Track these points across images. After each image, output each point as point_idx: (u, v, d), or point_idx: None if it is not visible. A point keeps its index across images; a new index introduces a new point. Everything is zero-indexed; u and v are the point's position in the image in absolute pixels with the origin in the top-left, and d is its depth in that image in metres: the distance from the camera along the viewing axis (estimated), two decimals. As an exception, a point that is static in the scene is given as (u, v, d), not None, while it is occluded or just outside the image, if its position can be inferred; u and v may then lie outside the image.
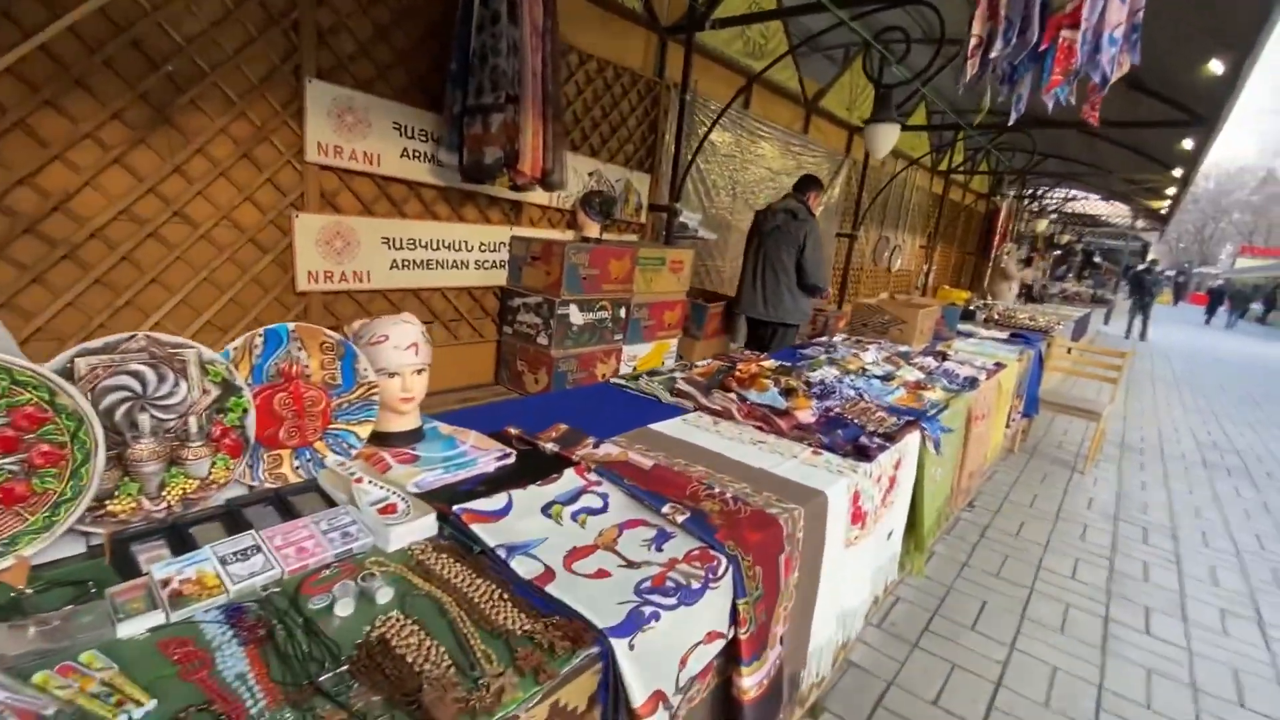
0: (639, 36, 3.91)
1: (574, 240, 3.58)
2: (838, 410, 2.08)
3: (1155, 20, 4.51)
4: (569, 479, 1.31)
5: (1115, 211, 15.86)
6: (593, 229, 3.59)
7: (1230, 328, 21.61)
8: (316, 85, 2.47)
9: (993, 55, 1.65)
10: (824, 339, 3.68)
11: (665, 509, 1.21)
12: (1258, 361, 12.35)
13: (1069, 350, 5.26)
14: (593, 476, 1.34)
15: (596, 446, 1.54)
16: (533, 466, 1.38)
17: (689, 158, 4.05)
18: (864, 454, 1.73)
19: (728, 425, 1.89)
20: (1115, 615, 2.57)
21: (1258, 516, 3.87)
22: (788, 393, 2.11)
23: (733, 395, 2.07)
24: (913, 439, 2.04)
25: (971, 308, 6.11)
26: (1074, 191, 14.66)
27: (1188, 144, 5.74)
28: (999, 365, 3.38)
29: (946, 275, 11.14)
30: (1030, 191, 14.10)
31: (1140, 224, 15.42)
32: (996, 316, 6.18)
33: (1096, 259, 23.87)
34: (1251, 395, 8.23)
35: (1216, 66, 3.96)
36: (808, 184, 3.99)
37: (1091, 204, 15.91)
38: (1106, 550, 3.17)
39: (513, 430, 1.54)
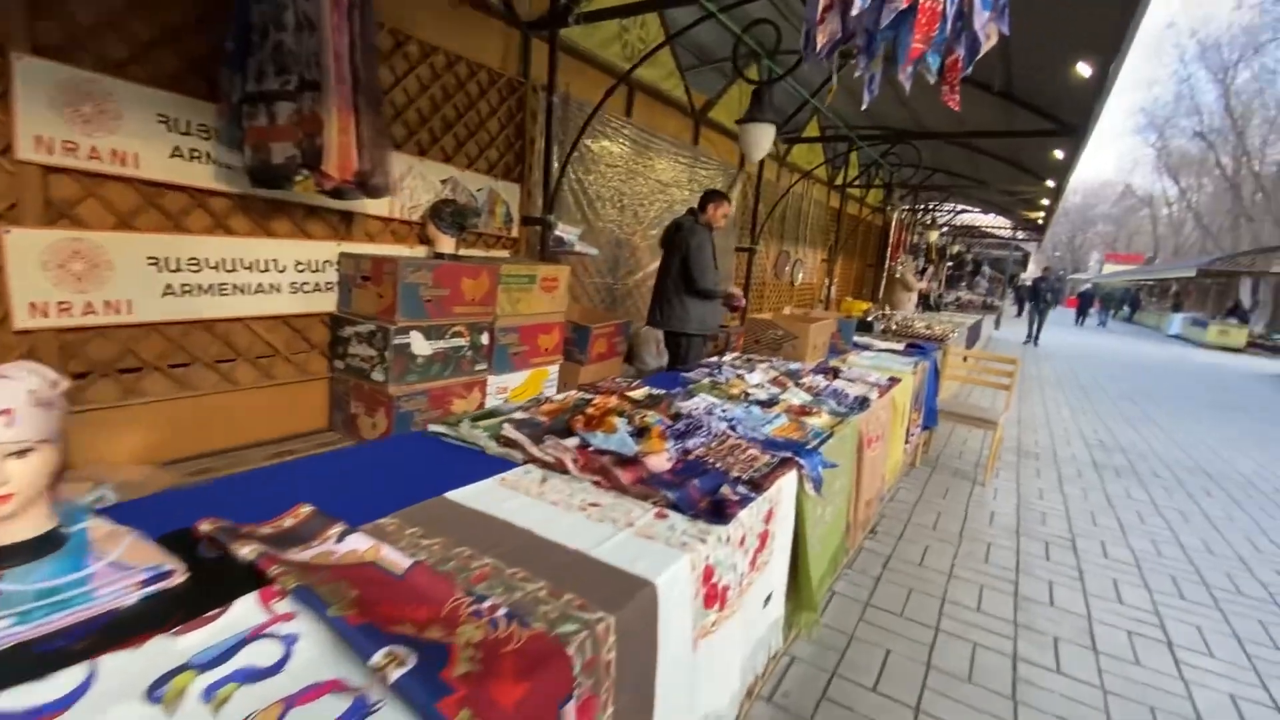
0: (496, 31, 3.52)
1: (427, 256, 3.11)
2: (700, 451, 1.72)
3: (1024, 25, 4.64)
4: (240, 615, 0.85)
5: (998, 223, 16.93)
6: (446, 243, 3.13)
7: (1102, 325, 24.20)
8: (30, 63, 1.91)
9: (854, 12, 1.36)
10: (715, 359, 3.37)
11: (379, 656, 0.78)
12: (1128, 358, 13.36)
13: (964, 359, 5.24)
14: (285, 606, 0.88)
15: (340, 540, 1.08)
16: (203, 592, 0.91)
17: (561, 166, 3.67)
18: (719, 513, 1.36)
19: (559, 482, 1.48)
20: (1024, 653, 2.34)
21: (1149, 518, 3.86)
22: (640, 432, 1.73)
23: (572, 441, 1.67)
24: (788, 481, 1.71)
25: (870, 319, 6.05)
26: (962, 206, 15.52)
27: (1059, 154, 5.96)
28: (893, 380, 3.17)
29: (849, 287, 11.35)
30: (923, 206, 14.78)
31: (1020, 235, 16.52)
32: (894, 327, 6.16)
33: (985, 268, 25.59)
34: (1127, 391, 8.73)
35: (1084, 69, 4.03)
36: (706, 197, 3.88)
37: (976, 217, 16.92)
38: (1011, 572, 2.98)
39: (206, 526, 1.06)
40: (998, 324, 17.22)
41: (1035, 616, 2.60)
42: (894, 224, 10.89)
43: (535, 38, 3.66)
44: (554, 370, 3.56)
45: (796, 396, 2.53)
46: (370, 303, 2.68)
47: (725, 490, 1.48)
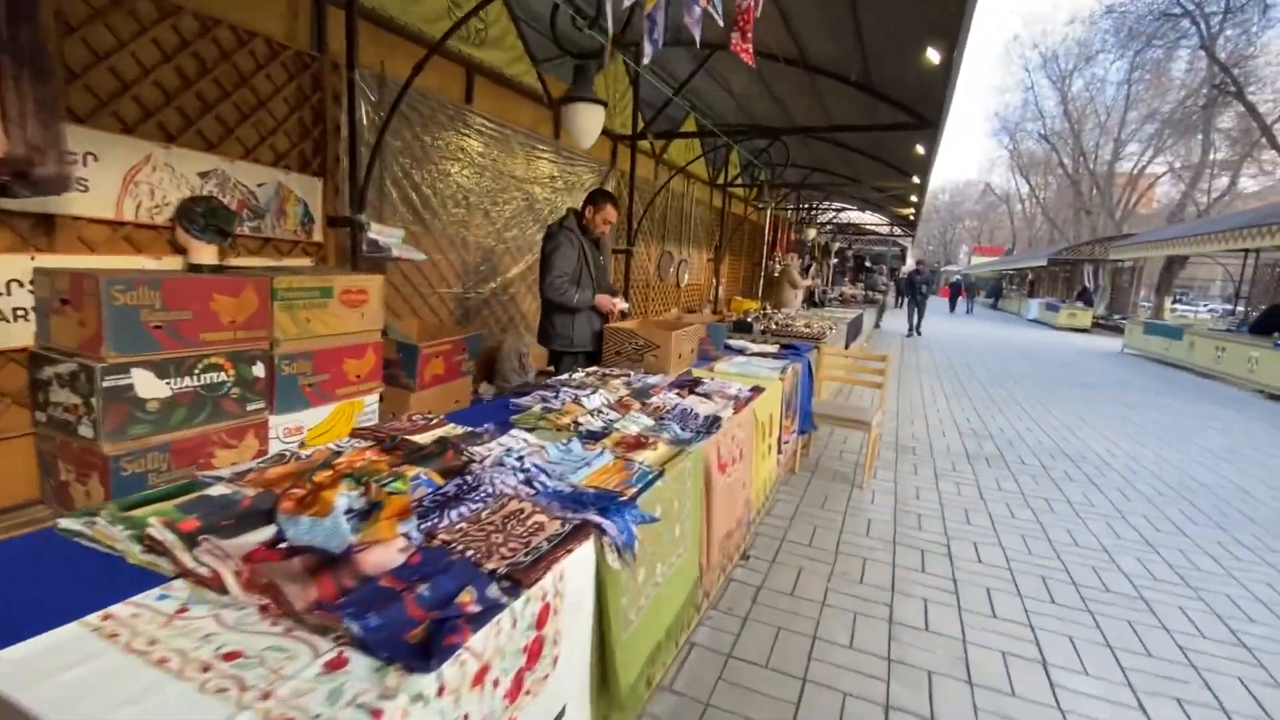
0: (275, -7, 2.91)
1: (183, 269, 2.45)
2: (457, 531, 1.26)
3: (875, 14, 4.61)
4: None
5: (877, 220, 17.76)
6: (204, 252, 2.49)
7: (969, 312, 26.47)
8: None
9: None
10: (562, 377, 2.94)
11: None
12: (995, 343, 14.33)
13: (845, 357, 5.13)
14: None
15: None
16: None
17: (370, 157, 3.10)
18: (427, 651, 0.91)
19: (204, 614, 0.97)
20: (897, 698, 2.06)
21: (1019, 511, 3.83)
22: (369, 511, 1.25)
23: (263, 534, 1.16)
24: (582, 554, 1.29)
25: (750, 319, 5.85)
26: (841, 204, 16.12)
27: (920, 149, 6.04)
28: (756, 390, 2.87)
29: (738, 286, 11.34)
30: (807, 205, 15.17)
31: (897, 231, 17.42)
32: (774, 327, 6.00)
33: (868, 263, 27.00)
34: (995, 375, 9.20)
35: (934, 56, 3.97)
36: (588, 199, 3.48)
37: (857, 215, 17.66)
38: (886, 593, 2.75)
39: None
40: (879, 319, 18.06)
41: (909, 648, 2.35)
42: (769, 221, 10.96)
43: (331, 5, 3.07)
44: (371, 401, 2.98)
45: (635, 423, 2.13)
46: (70, 334, 2.01)
47: (466, 597, 1.03)
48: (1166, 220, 23.73)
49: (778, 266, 9.04)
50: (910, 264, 13.61)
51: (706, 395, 2.61)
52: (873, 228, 18.66)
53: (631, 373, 3.05)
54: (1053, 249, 26.67)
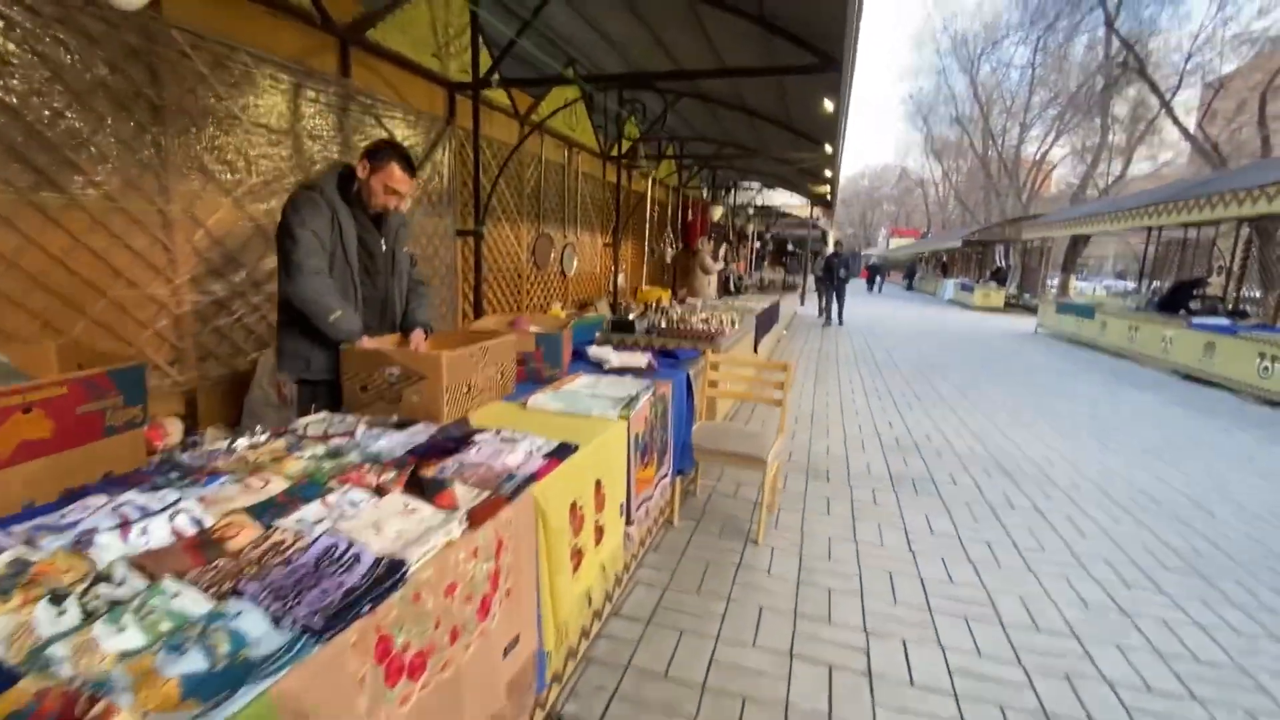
0: None
1: None
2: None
3: None
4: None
5: (798, 203, 17.11)
6: None
7: (880, 292, 27.83)
8: None
9: None
10: (233, 441, 1.72)
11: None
12: (914, 326, 13.92)
13: (741, 362, 4.10)
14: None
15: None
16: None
17: None
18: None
19: None
20: None
21: (958, 568, 2.90)
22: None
23: None
24: None
25: (631, 316, 4.75)
26: (760, 184, 15.31)
27: (828, 105, 5.07)
28: (562, 449, 1.75)
29: (644, 274, 10.26)
30: (723, 186, 14.24)
31: (818, 212, 16.83)
32: (663, 324, 4.92)
33: (790, 247, 26.64)
34: (917, 364, 8.53)
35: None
36: (365, 152, 2.24)
37: (778, 197, 16.95)
38: (770, 778, 1.70)
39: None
40: (803, 300, 17.52)
41: None
42: (680, 201, 9.91)
43: None
44: None
45: (188, 599, 0.95)
46: None
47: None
48: (1070, 201, 24.44)
49: (669, 250, 7.99)
50: (830, 247, 12.95)
51: (442, 484, 1.45)
52: (794, 210, 18.04)
53: (365, 427, 1.86)
54: (965, 230, 27.13)
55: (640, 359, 3.27)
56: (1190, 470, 4.49)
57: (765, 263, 17.87)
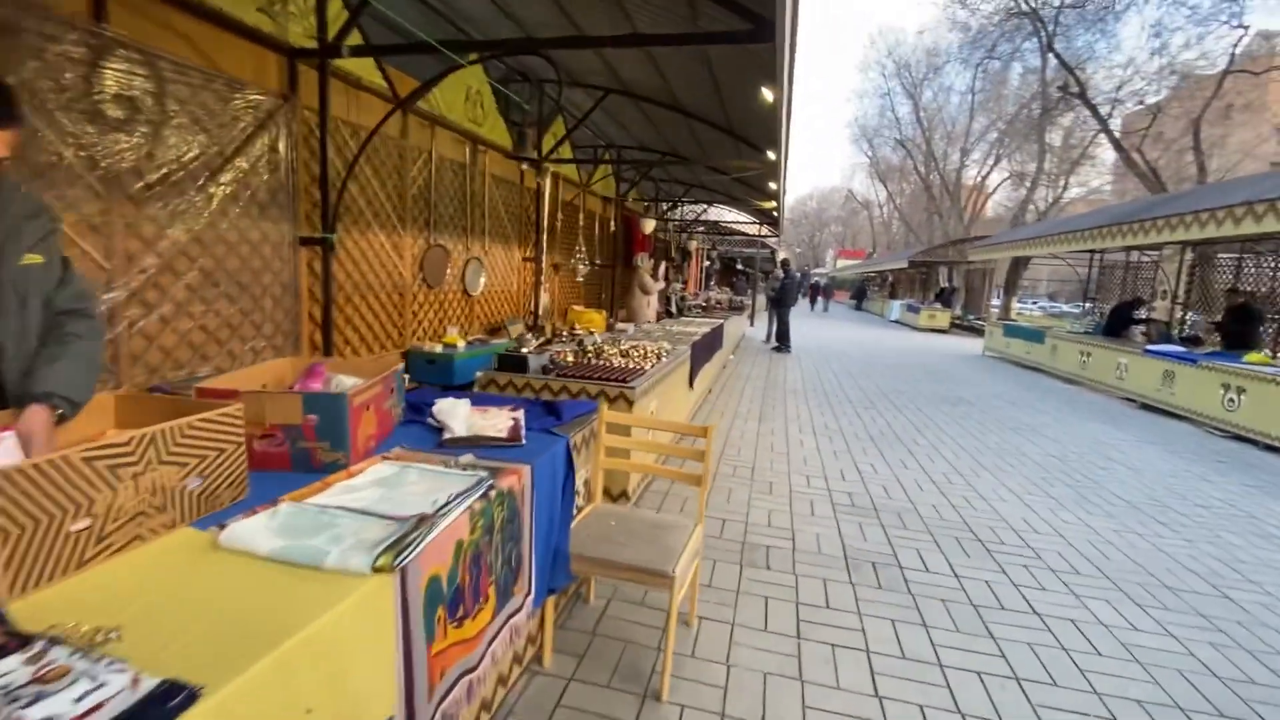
0: None
1: None
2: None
3: None
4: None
5: (745, 219, 16.53)
6: None
7: (825, 311, 28.59)
8: None
9: None
10: None
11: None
12: (863, 350, 13.37)
13: (645, 424, 3.19)
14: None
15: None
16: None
17: None
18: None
19: None
20: None
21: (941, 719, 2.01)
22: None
23: None
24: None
25: (523, 349, 3.77)
26: (705, 201, 14.63)
27: (767, 94, 4.27)
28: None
29: (579, 294, 9.29)
30: (667, 202, 13.49)
31: (766, 230, 16.30)
32: (570, 360, 3.99)
33: (738, 266, 26.21)
34: (869, 394, 7.82)
35: None
36: None
37: (726, 214, 16.33)
38: None
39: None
40: (753, 321, 16.88)
41: None
42: (612, 213, 9.06)
43: None
44: None
45: None
46: None
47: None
48: (1010, 224, 24.85)
49: (581, 268, 7.08)
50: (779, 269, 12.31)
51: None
52: (740, 228, 17.47)
53: None
54: (910, 251, 27.31)
55: (502, 422, 2.30)
56: (1192, 537, 3.79)
57: (712, 282, 17.18)
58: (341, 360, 2.85)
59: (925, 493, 4.33)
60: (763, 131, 5.56)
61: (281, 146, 3.63)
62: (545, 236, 7.44)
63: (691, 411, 5.86)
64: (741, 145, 6.60)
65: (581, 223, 8.88)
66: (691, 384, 5.65)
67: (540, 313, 7.41)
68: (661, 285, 9.66)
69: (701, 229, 18.00)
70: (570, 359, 4.03)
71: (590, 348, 4.39)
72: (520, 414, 2.39)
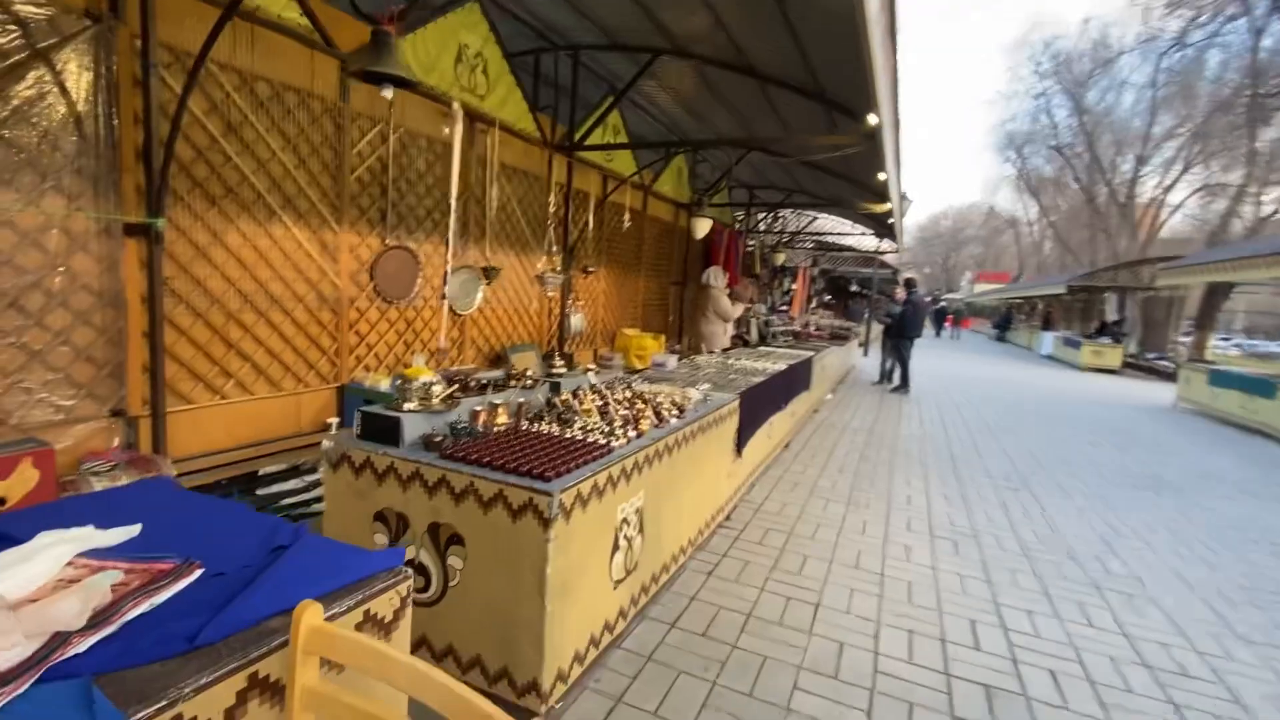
0: None
1: None
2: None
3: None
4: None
5: (855, 230, 14.26)
6: None
7: (955, 339, 26.54)
8: None
9: None
10: None
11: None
12: (1005, 393, 10.62)
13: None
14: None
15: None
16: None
17: None
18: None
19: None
20: None
21: None
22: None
23: None
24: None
25: (406, 408, 2.27)
26: (808, 214, 12.62)
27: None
28: None
29: (631, 313, 7.75)
30: (767, 212, 11.68)
31: (884, 246, 13.95)
32: (502, 422, 2.46)
33: (853, 288, 23.46)
34: (1016, 465, 5.54)
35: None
36: None
37: (834, 225, 14.18)
38: None
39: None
40: (866, 352, 14.50)
41: None
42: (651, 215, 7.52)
43: None
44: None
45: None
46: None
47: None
48: (1206, 243, 20.22)
49: (551, 275, 5.50)
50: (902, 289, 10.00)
51: None
52: (852, 242, 15.17)
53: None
54: (1069, 275, 23.15)
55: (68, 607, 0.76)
56: None
57: (812, 304, 15.03)
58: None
59: (1134, 692, 2.30)
60: (857, 94, 3.75)
61: (81, 89, 2.43)
62: (578, 241, 6.00)
63: (736, 494, 4.09)
64: (835, 114, 4.80)
65: (644, 232, 7.38)
66: (739, 450, 3.90)
67: (567, 337, 5.96)
68: (743, 309, 7.91)
69: (807, 244, 15.90)
70: (501, 420, 2.49)
71: (560, 404, 2.85)
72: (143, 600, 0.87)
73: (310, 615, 0.99)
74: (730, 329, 7.76)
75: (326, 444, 2.29)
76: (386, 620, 1.27)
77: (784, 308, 14.70)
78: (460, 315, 4.68)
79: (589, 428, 2.56)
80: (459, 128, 3.82)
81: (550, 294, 5.66)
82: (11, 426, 2.38)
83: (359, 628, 1.17)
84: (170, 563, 1.16)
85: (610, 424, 2.61)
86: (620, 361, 6.66)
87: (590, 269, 6.38)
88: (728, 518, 3.87)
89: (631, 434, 2.54)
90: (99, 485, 2.45)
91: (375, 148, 3.82)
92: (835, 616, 2.78)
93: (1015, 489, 5.02)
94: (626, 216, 6.67)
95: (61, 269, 2.47)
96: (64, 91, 2.41)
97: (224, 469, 3.00)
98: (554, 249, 5.49)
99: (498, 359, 5.02)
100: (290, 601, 1.03)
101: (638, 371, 4.95)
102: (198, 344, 2.98)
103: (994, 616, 2.89)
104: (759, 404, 4.24)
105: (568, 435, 2.44)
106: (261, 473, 3.36)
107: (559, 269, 5.70)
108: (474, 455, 2.08)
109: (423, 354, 4.28)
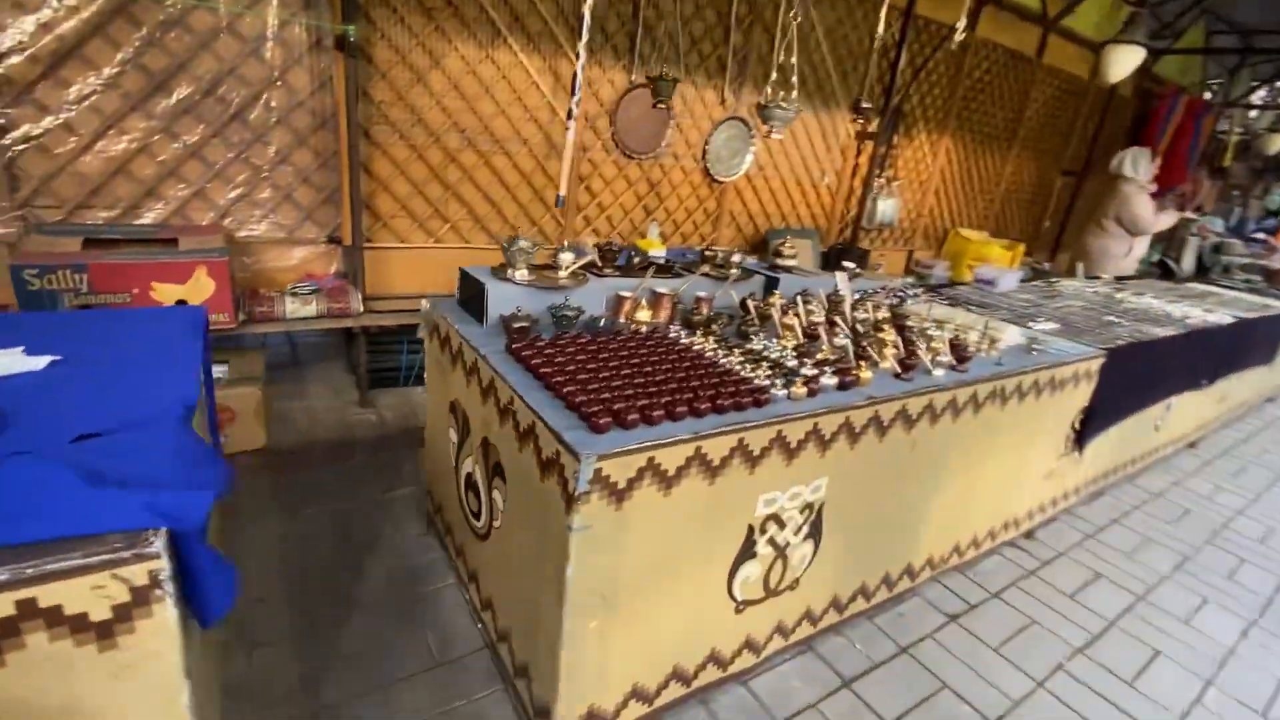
0: None
1: None
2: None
3: None
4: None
5: None
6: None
7: None
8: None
9: None
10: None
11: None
12: None
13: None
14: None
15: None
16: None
17: None
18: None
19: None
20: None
21: None
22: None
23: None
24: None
25: (511, 274, 1.67)
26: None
27: None
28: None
29: (980, 207, 5.66)
30: (1265, 84, 7.34)
31: None
32: (637, 319, 1.71)
33: None
34: None
35: None
36: None
37: None
38: None
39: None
40: None
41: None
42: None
43: None
44: None
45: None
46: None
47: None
48: None
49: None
50: None
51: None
52: None
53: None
54: None
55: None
56: None
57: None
58: None
59: None
60: None
61: None
62: (905, 91, 4.35)
63: (1055, 504, 2.58)
64: None
65: (1030, 88, 5.13)
66: (1081, 445, 2.36)
67: (869, 227, 4.59)
68: (1174, 220, 5.16)
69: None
70: (642, 318, 1.70)
71: (776, 301, 1.92)
72: None
73: None
74: (1140, 248, 5.18)
75: (425, 304, 1.84)
76: (96, 621, 0.71)
77: (1259, 234, 9.61)
78: (720, 182, 3.82)
79: (770, 355, 1.60)
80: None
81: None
82: (240, 239, 2.54)
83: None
84: None
85: (801, 356, 1.59)
86: (945, 274, 5.00)
87: (923, 134, 4.70)
88: (1027, 534, 2.47)
89: (827, 380, 1.50)
90: (294, 305, 2.51)
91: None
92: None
93: None
94: (958, 34, 4.61)
95: (279, 83, 2.43)
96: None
97: (410, 314, 2.89)
98: (866, 103, 4.04)
99: (762, 244, 4.07)
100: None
101: (943, 288, 3.48)
102: (415, 182, 2.83)
103: None
104: (1142, 374, 2.50)
105: (722, 361, 1.54)
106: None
107: (872, 130, 4.27)
108: (535, 360, 1.37)
109: (655, 224, 3.61)
